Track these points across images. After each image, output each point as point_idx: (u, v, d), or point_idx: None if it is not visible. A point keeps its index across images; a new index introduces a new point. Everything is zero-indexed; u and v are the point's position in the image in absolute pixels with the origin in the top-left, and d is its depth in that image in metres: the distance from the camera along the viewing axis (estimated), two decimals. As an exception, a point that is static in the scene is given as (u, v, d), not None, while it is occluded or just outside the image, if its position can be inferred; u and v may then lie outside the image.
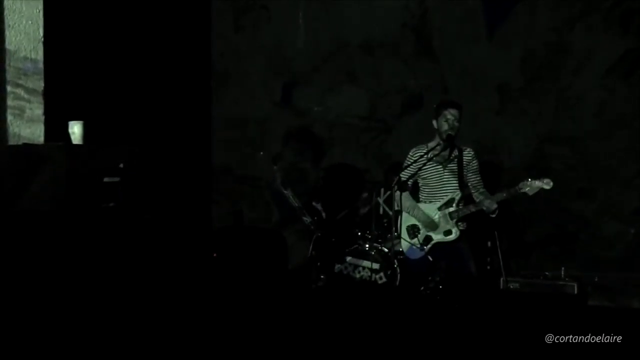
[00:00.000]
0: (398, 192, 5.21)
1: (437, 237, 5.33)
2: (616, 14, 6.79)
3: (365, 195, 6.86)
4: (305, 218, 6.47)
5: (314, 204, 6.62)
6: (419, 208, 5.41)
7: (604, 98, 6.86)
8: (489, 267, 6.17)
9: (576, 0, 6.90)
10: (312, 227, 6.48)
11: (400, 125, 7.46)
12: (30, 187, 4.65)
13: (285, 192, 6.50)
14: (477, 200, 5.34)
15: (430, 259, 5.34)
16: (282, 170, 6.78)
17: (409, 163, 5.40)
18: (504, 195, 5.26)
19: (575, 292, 6.00)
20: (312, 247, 6.51)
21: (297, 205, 6.47)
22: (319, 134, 7.73)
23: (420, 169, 5.33)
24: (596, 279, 6.56)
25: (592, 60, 6.88)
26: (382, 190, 6.58)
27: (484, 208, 5.23)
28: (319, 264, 6.41)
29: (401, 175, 5.28)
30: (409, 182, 5.34)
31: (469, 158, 5.40)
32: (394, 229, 5.51)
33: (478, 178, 5.42)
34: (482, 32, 7.18)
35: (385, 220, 6.44)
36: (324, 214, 6.59)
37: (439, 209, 5.32)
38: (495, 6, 7.14)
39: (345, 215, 6.78)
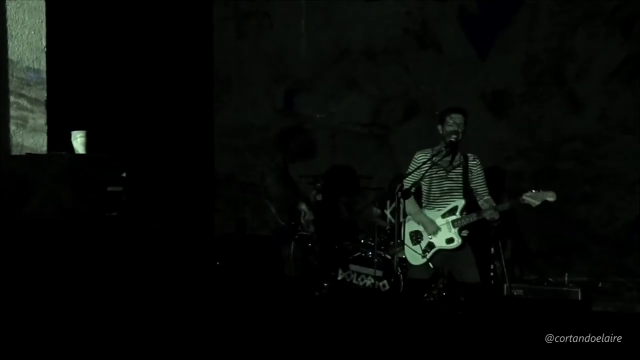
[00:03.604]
0: (402, 200, 5.18)
1: (439, 244, 5.30)
2: (617, 19, 6.80)
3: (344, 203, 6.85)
4: (280, 221, 6.51)
5: (298, 206, 6.63)
6: (422, 212, 5.39)
7: (607, 103, 6.86)
8: (492, 274, 6.16)
9: (578, 5, 6.91)
10: (290, 231, 6.50)
11: (402, 131, 7.46)
12: (33, 196, 4.66)
13: (266, 201, 6.55)
14: (481, 207, 5.33)
15: (432, 266, 5.31)
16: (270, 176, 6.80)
17: (413, 169, 5.37)
18: (507, 206, 5.24)
19: (579, 297, 5.99)
20: (292, 249, 6.51)
21: (273, 212, 6.51)
22: (315, 137, 7.75)
23: (423, 175, 5.31)
24: (600, 285, 6.56)
25: (594, 65, 6.89)
26: (389, 202, 6.56)
27: (487, 218, 5.21)
28: (321, 271, 6.42)
29: (404, 182, 5.26)
30: (412, 189, 5.31)
31: (474, 165, 5.37)
32: (397, 236, 5.48)
33: (483, 185, 5.39)
34: (483, 37, 7.19)
35: (388, 228, 6.44)
36: (308, 216, 6.58)
37: (443, 216, 5.30)
38: (495, 11, 7.15)
39: (349, 222, 6.79)
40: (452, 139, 5.21)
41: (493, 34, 7.18)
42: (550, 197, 5.08)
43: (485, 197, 5.37)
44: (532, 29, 7.06)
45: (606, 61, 6.84)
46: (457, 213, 5.27)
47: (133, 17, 6.69)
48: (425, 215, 5.35)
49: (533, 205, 5.11)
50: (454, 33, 7.29)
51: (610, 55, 6.83)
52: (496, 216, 5.19)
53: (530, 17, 7.06)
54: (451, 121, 5.24)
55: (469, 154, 5.39)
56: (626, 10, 6.77)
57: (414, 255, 5.35)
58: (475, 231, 5.43)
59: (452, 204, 5.30)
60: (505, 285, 6.10)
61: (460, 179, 5.33)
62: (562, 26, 6.97)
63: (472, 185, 5.38)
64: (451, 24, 7.30)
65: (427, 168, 5.26)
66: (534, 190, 5.11)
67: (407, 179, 5.33)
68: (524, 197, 5.12)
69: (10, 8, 5.27)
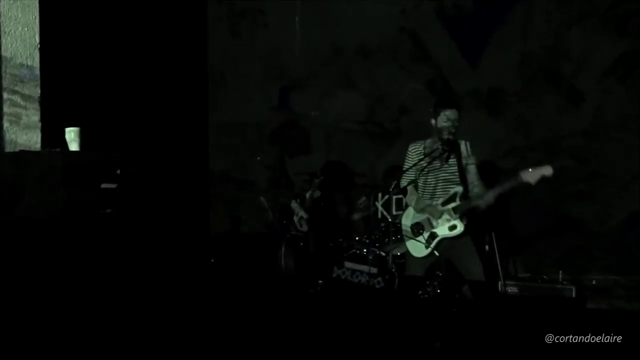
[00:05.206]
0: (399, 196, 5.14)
1: (442, 233, 5.21)
2: (612, 17, 6.80)
3: (362, 200, 6.81)
4: (272, 220, 6.50)
5: (290, 205, 6.61)
6: (422, 201, 5.30)
7: (602, 100, 6.86)
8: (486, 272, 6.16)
9: (573, 3, 6.91)
10: (281, 229, 6.49)
11: (397, 128, 7.46)
12: (27, 193, 4.64)
13: (261, 199, 6.55)
14: (471, 194, 5.21)
15: (437, 253, 5.21)
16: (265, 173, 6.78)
17: (410, 165, 5.29)
18: (506, 187, 5.12)
19: (574, 295, 5.99)
20: (284, 248, 6.49)
21: (266, 206, 6.50)
22: (310, 135, 7.74)
23: (419, 174, 5.25)
24: (594, 282, 6.56)
25: (590, 63, 6.89)
26: (380, 194, 6.54)
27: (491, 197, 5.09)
28: (316, 268, 6.41)
29: (401, 181, 5.20)
30: (407, 187, 5.27)
31: (466, 150, 5.28)
32: (391, 233, 5.46)
33: (475, 170, 5.28)
34: (478, 36, 7.19)
35: (383, 225, 6.43)
36: (302, 214, 6.56)
37: (442, 204, 5.22)
38: (490, 10, 7.16)
39: (345, 218, 6.78)
40: (449, 138, 5.14)
41: (488, 33, 7.18)
42: (547, 171, 4.96)
43: (476, 183, 5.24)
44: (527, 28, 7.06)
45: (601, 59, 6.85)
46: (457, 200, 5.18)
47: (127, 15, 6.67)
48: (427, 203, 5.26)
49: (533, 182, 4.97)
50: (449, 31, 7.29)
51: (605, 53, 6.83)
52: (493, 197, 5.07)
53: (526, 15, 7.06)
54: (445, 117, 5.16)
55: (460, 141, 5.27)
56: (621, 8, 6.78)
57: (417, 247, 5.24)
58: (469, 229, 5.39)
59: (451, 192, 5.22)
60: (499, 283, 6.10)
61: (455, 166, 5.23)
62: (558, 24, 6.97)
63: (465, 171, 5.28)
64: (446, 22, 7.29)
65: (424, 165, 5.20)
66: (530, 168, 5.00)
67: (404, 177, 5.27)
68: (521, 175, 4.97)
69: (4, 4, 5.26)
